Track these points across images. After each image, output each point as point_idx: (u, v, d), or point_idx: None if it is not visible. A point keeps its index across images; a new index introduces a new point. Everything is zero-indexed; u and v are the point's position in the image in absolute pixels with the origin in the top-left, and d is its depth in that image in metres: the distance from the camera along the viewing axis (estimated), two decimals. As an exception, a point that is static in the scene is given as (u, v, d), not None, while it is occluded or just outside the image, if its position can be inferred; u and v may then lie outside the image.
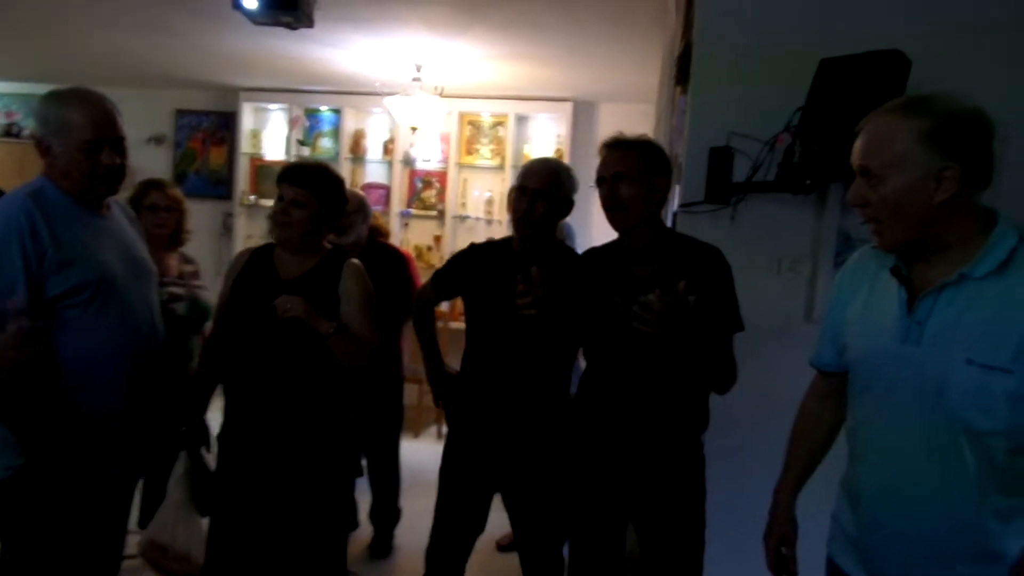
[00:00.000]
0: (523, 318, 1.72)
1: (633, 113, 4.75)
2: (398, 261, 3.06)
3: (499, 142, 5.29)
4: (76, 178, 1.66)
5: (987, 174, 1.20)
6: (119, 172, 1.73)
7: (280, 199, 1.94)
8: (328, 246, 2.04)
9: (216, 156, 5.80)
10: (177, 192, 2.70)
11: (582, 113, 5.19)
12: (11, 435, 1.58)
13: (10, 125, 5.99)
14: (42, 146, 1.67)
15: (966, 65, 1.97)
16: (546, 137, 5.27)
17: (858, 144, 1.24)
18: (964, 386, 1.17)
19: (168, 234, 2.63)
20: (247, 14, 2.81)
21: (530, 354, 2.05)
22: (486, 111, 5.27)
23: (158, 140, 5.76)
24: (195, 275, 2.70)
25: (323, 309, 1.89)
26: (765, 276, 2.18)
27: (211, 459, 2.11)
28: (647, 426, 1.78)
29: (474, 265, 2.19)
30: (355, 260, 2.03)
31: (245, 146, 5.54)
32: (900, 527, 1.27)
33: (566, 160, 5.01)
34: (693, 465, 1.82)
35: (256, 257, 2.05)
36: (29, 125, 5.94)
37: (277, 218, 1.94)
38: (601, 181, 1.78)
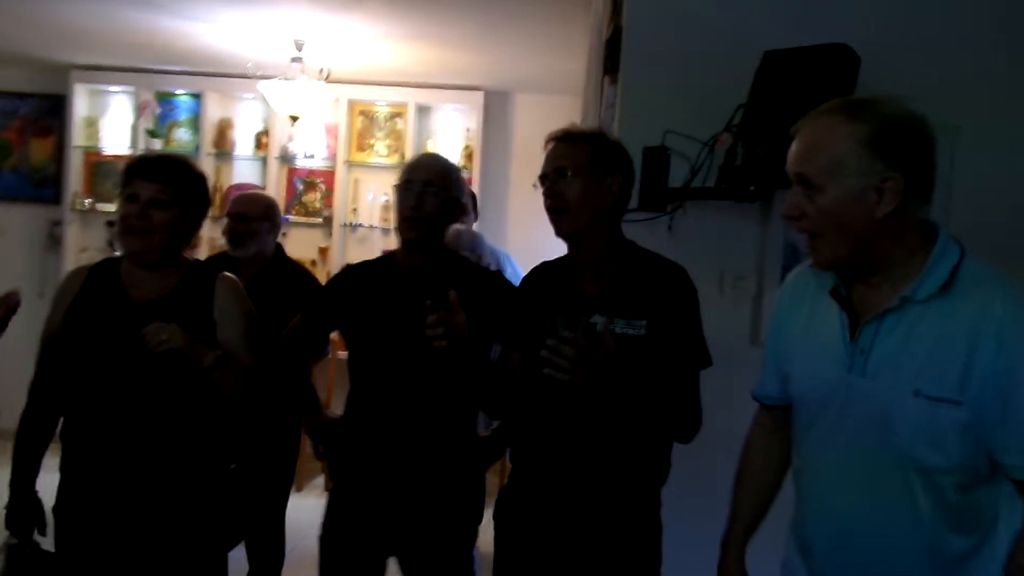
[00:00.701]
0: (421, 351, 1.71)
1: (554, 105, 4.87)
2: (306, 282, 3.02)
3: (397, 136, 5.30)
4: None
5: (930, 187, 1.28)
6: None
7: (131, 199, 1.85)
8: (189, 259, 2.00)
9: (39, 150, 5.52)
10: None
11: (495, 104, 5.27)
12: None
13: None
14: None
15: (916, 60, 2.14)
16: (453, 131, 5.32)
17: (794, 148, 1.31)
18: (912, 420, 1.25)
19: None
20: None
21: (431, 393, 2.04)
22: (382, 100, 5.27)
23: (-38, 128, 5.43)
24: None
25: (197, 336, 1.82)
26: (707, 294, 2.26)
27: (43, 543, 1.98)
28: (587, 485, 1.76)
29: (351, 290, 2.17)
30: (228, 273, 2.00)
31: (78, 138, 5.32)
32: None
33: (476, 158, 5.07)
34: (646, 529, 1.79)
35: (95, 276, 1.95)
36: None
37: (130, 223, 1.84)
38: (543, 178, 1.81)
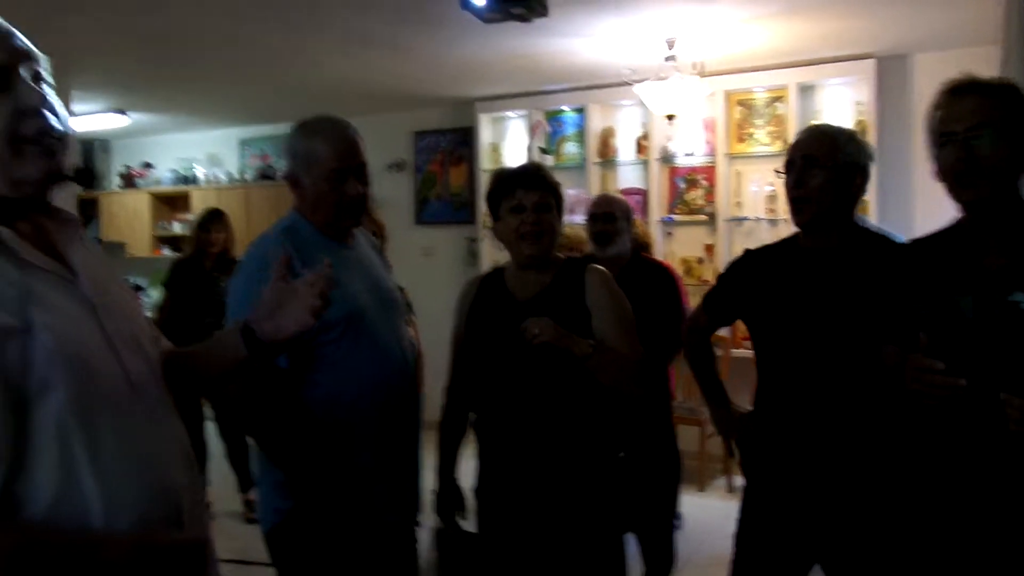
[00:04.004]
0: (834, 336, 1.57)
1: (963, 61, 4.14)
2: (665, 280, 3.01)
3: (779, 122, 4.99)
4: (324, 210, 1.87)
5: None
6: (363, 201, 1.92)
7: (518, 209, 1.98)
8: (560, 256, 2.08)
9: (456, 177, 6.26)
10: (380, 215, 2.92)
11: (890, 71, 4.69)
12: (281, 476, 1.81)
13: (265, 168, 7.07)
14: (292, 180, 1.92)
15: None
16: (841, 107, 4.85)
17: None
18: None
19: None
20: (476, 12, 2.99)
21: (849, 382, 1.85)
22: (759, 86, 5.01)
23: (398, 166, 6.38)
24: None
25: (573, 327, 1.90)
26: None
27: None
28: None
29: (754, 277, 2.05)
30: (597, 266, 2.05)
31: (485, 162, 5.89)
32: None
33: (872, 133, 4.56)
34: None
35: (486, 283, 2.13)
36: (280, 166, 6.96)
37: (525, 229, 1.97)
38: (950, 137, 1.53)
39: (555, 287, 2.00)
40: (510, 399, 1.98)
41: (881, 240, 1.95)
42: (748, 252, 2.16)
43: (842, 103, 4.86)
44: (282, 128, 6.94)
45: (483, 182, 5.90)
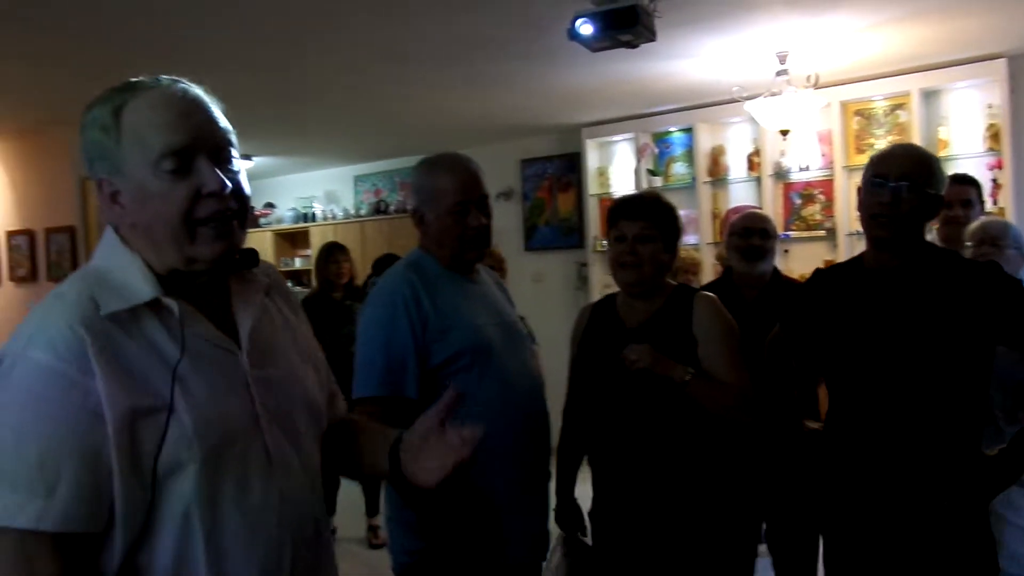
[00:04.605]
0: (899, 357, 1.59)
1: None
2: None
3: (901, 130, 4.75)
4: (448, 244, 1.91)
5: None
6: (485, 233, 1.95)
7: (619, 239, 2.02)
8: (672, 283, 2.09)
9: (564, 203, 6.27)
10: (500, 251, 2.93)
11: (1022, 71, 4.40)
12: (413, 517, 1.83)
13: (378, 202, 7.29)
14: (416, 216, 1.97)
15: None
16: (970, 111, 4.57)
17: None
18: None
19: None
20: (584, 41, 2.99)
21: (921, 404, 1.77)
22: (878, 94, 4.78)
23: (507, 195, 6.45)
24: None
25: (677, 354, 1.93)
26: None
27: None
28: None
29: (820, 296, 2.01)
30: (707, 292, 2.07)
31: (592, 187, 5.87)
32: None
33: (1005, 136, 4.28)
34: None
35: (599, 309, 2.17)
36: (394, 200, 7.17)
37: (622, 259, 2.01)
38: None
39: (663, 314, 2.01)
40: (616, 424, 2.01)
41: (952, 256, 1.90)
42: (818, 271, 2.15)
43: (971, 107, 4.58)
44: (393, 164, 7.16)
45: (591, 207, 5.90)
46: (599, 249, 5.86)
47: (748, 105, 4.39)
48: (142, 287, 1.04)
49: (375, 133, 5.99)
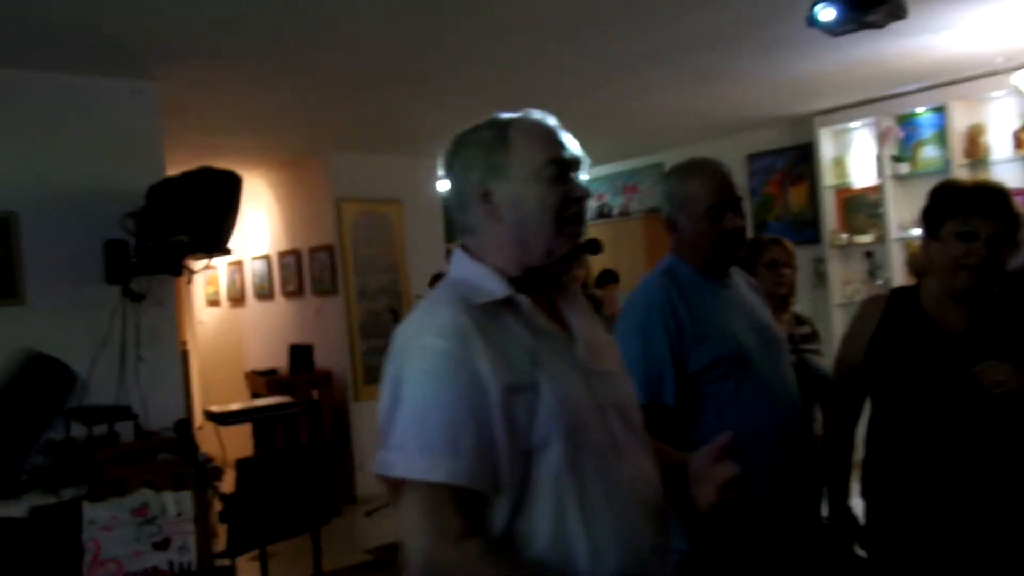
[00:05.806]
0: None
1: None
2: None
3: None
4: (703, 248, 1.90)
5: None
6: (740, 235, 1.92)
7: (967, 237, 1.79)
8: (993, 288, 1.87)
9: (797, 196, 5.96)
10: (792, 246, 2.82)
11: None
12: (679, 522, 1.82)
13: (601, 207, 7.35)
14: (669, 223, 1.97)
15: None
16: None
17: None
18: None
19: (786, 293, 2.74)
20: (825, 27, 2.83)
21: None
22: None
23: (733, 192, 6.24)
24: (810, 338, 2.76)
25: (1018, 364, 1.72)
26: None
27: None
28: None
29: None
30: None
31: (828, 178, 5.54)
32: None
33: None
34: None
35: (895, 305, 1.96)
36: (617, 204, 7.20)
37: (970, 260, 1.79)
38: None
39: (993, 320, 1.82)
40: (956, 442, 1.79)
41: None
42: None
43: None
44: (615, 167, 7.20)
45: (827, 200, 5.56)
46: (837, 244, 5.50)
47: (1013, 77, 3.93)
48: (497, 287, 1.21)
49: (599, 136, 6.04)
